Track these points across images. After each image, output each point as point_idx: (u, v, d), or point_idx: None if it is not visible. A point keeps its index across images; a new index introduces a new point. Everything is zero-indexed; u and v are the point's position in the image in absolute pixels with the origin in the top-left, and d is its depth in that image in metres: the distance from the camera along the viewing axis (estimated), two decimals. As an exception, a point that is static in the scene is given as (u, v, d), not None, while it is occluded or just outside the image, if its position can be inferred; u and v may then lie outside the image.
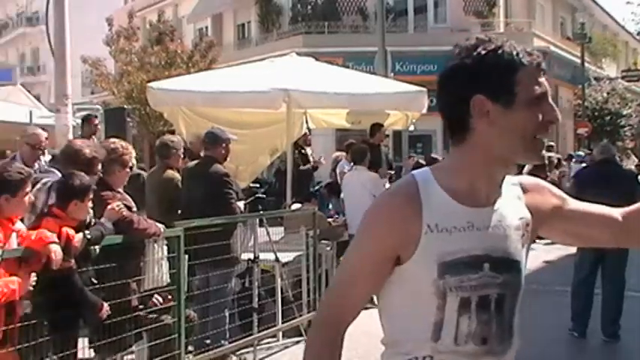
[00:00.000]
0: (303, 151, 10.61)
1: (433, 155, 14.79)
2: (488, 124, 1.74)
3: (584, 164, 16.27)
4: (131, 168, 5.31)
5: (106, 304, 4.36)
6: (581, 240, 2.20)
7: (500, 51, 1.73)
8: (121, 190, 5.13)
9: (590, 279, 7.01)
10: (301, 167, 10.21)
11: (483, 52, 1.73)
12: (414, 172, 1.85)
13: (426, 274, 1.73)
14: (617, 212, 1.96)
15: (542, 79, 1.76)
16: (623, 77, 37.39)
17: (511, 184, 1.87)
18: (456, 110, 1.77)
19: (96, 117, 9.15)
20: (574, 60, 27.99)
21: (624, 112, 31.73)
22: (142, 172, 7.66)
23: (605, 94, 31.51)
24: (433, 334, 1.74)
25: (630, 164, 23.00)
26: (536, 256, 12.44)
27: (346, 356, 1.80)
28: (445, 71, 1.79)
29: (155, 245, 5.26)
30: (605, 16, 38.17)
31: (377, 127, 10.00)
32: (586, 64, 28.81)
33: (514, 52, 1.73)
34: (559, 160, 17.58)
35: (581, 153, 19.59)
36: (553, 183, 11.55)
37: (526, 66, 1.74)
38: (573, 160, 17.77)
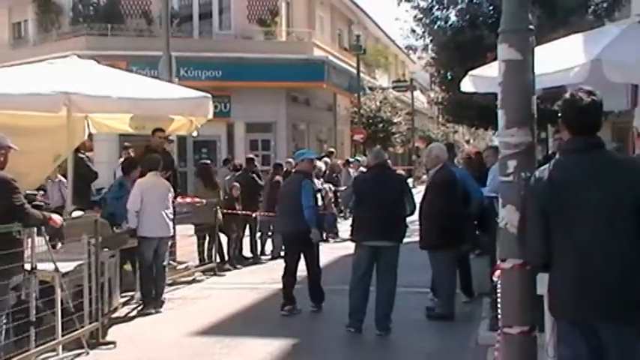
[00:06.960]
0: (81, 156, 10.17)
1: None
2: None
3: (362, 168, 17.30)
4: None
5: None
6: None
7: None
8: None
9: (366, 277, 7.46)
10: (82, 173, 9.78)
11: None
12: None
13: None
14: None
15: None
16: (393, 87, 40.31)
17: None
18: None
19: None
20: (350, 70, 29.51)
21: (395, 120, 34.18)
22: None
23: (378, 103, 33.70)
24: None
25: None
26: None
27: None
28: None
29: None
30: (377, 30, 40.73)
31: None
32: (361, 74, 30.51)
33: None
34: (343, 164, 18.78)
35: (359, 158, 20.69)
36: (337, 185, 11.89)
37: None
38: (351, 164, 18.73)
